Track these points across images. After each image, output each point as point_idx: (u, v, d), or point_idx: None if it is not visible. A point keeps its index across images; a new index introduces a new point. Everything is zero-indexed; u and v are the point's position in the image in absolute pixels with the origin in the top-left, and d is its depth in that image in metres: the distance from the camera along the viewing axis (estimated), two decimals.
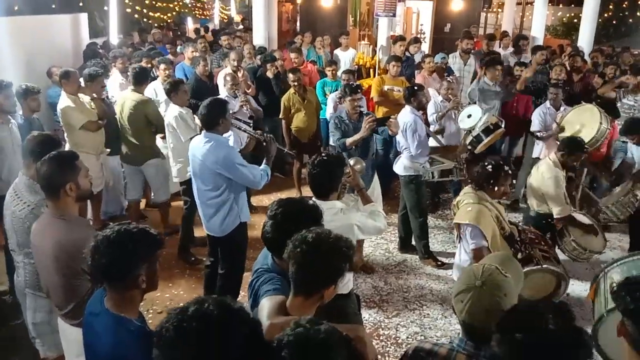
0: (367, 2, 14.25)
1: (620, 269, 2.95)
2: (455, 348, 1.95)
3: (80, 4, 11.44)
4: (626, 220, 5.54)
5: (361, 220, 3.18)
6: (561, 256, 4.47)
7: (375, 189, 5.28)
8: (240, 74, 6.77)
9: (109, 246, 1.99)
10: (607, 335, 2.61)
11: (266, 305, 2.14)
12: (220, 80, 7.01)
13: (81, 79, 5.63)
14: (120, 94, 6.07)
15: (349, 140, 4.96)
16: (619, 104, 6.72)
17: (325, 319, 2.31)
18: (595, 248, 4.62)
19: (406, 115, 5.41)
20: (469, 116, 5.86)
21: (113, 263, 1.99)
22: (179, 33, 15.44)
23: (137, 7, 15.46)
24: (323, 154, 3.26)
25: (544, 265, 3.54)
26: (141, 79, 5.74)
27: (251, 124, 6.23)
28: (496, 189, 3.66)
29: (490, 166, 3.66)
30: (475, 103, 6.51)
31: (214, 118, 4.07)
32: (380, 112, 7.03)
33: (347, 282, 3.33)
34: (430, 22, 13.51)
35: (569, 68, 8.08)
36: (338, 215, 3.10)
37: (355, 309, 3.43)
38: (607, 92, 7.07)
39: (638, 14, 15.17)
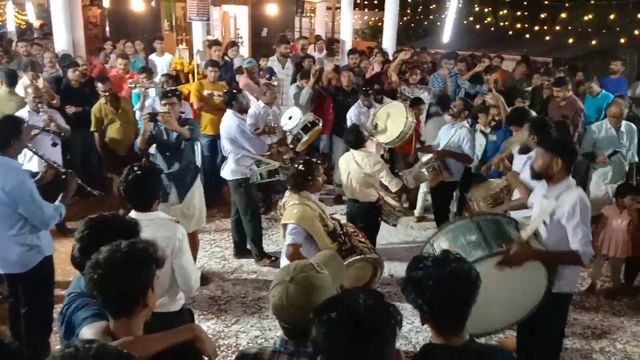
0: (183, 7, 13.88)
1: (445, 237, 3.18)
2: (277, 349, 1.95)
3: None
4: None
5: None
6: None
7: (195, 196, 5.10)
8: (40, 84, 6.11)
9: None
10: None
11: (89, 333, 1.97)
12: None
13: None
14: None
15: (138, 141, 4.88)
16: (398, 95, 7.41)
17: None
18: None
19: (230, 119, 5.37)
20: (290, 118, 6.02)
21: None
22: None
23: None
24: (134, 166, 3.10)
25: (366, 255, 3.76)
26: (13, 79, 6.26)
27: (55, 144, 5.63)
28: (316, 181, 3.84)
29: (301, 165, 3.81)
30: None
31: (5, 139, 3.60)
32: (203, 118, 6.88)
33: (178, 299, 3.18)
34: (248, 27, 13.63)
35: (378, 69, 8.81)
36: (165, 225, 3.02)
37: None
38: (394, 72, 7.73)
39: (431, 17, 17.02)
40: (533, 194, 3.59)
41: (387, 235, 6.44)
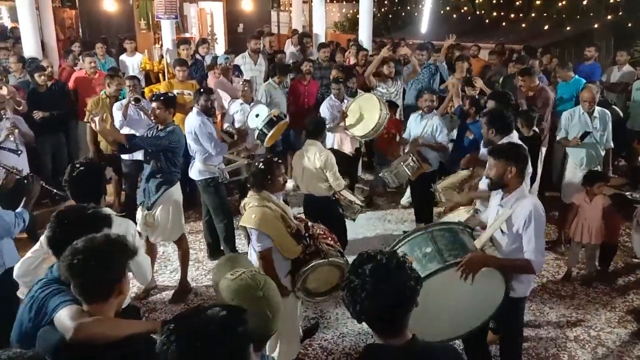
0: None
1: (402, 249, 3.15)
2: None
3: None
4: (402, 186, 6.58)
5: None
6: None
7: (162, 209, 4.88)
8: (4, 91, 5.96)
9: None
10: None
11: (67, 312, 2.09)
12: None
13: None
14: None
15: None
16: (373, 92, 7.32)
17: None
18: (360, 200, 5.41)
19: (193, 119, 5.30)
20: (257, 115, 5.94)
21: None
22: None
23: None
24: (77, 163, 3.24)
25: (331, 259, 3.67)
26: None
27: (19, 152, 5.45)
28: (275, 181, 3.71)
29: (261, 164, 3.71)
30: None
31: None
32: (175, 118, 6.76)
33: None
34: (223, 23, 13.48)
35: (352, 62, 8.74)
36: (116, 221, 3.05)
37: None
38: (370, 71, 7.56)
39: (408, 7, 16.93)
40: (489, 203, 3.57)
41: (364, 230, 6.41)
